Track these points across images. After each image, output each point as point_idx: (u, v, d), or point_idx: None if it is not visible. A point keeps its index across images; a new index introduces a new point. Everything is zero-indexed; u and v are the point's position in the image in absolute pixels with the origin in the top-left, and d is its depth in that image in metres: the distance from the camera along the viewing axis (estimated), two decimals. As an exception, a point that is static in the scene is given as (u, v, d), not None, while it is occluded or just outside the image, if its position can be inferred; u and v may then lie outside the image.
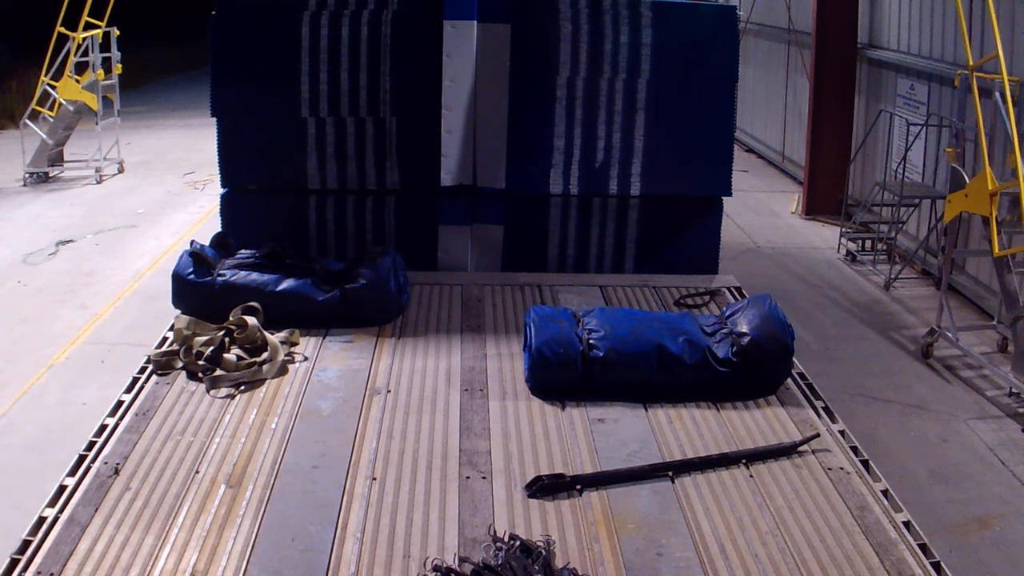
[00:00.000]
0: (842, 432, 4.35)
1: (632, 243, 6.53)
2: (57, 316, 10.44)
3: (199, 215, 14.30)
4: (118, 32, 16.24)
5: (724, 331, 4.71)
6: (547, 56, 6.24)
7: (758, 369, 4.62)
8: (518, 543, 3.34)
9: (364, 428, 4.26)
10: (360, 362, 4.95)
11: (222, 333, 4.95)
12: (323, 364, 4.91)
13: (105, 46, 16.13)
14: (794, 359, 4.80)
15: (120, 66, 16.47)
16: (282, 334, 5.07)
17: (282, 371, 4.79)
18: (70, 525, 3.50)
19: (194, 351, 4.82)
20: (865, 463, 4.08)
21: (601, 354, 4.52)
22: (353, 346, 5.15)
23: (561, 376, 4.55)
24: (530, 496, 3.74)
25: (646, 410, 4.46)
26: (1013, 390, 8.59)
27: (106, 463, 3.92)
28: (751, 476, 3.93)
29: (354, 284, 5.38)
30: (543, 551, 3.30)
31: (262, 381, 4.69)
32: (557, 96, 6.29)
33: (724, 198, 6.61)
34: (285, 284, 5.34)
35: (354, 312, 5.36)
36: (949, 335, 9.32)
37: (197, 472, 3.87)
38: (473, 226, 6.46)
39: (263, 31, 6.33)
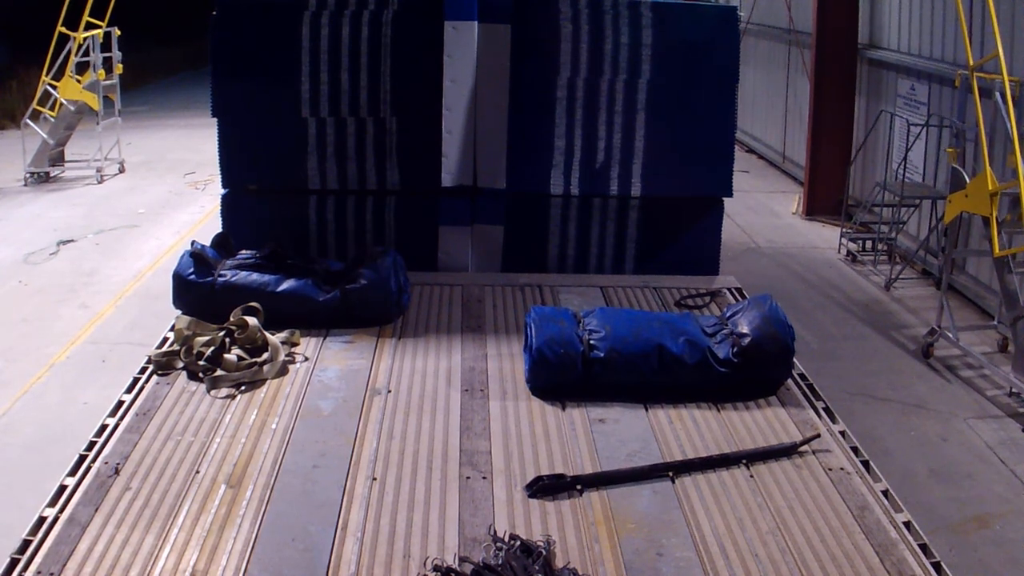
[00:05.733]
0: (842, 432, 4.35)
1: (632, 243, 6.53)
2: (58, 316, 10.44)
3: (200, 215, 14.31)
4: (119, 32, 16.25)
5: (724, 331, 4.71)
6: (547, 56, 6.24)
7: (758, 369, 4.62)
8: (518, 543, 3.34)
9: (364, 428, 4.27)
10: (360, 362, 4.95)
11: (223, 333, 4.95)
12: (323, 364, 4.92)
13: (106, 46, 16.15)
14: (794, 359, 4.80)
15: (121, 66, 16.49)
16: (282, 334, 5.07)
17: (282, 371, 4.79)
18: (70, 525, 3.50)
19: (195, 351, 4.82)
20: (865, 463, 4.09)
21: (602, 354, 4.52)
22: (353, 346, 5.15)
23: (562, 376, 4.55)
24: (530, 496, 3.74)
25: (646, 410, 4.46)
26: (1013, 390, 8.59)
27: (106, 463, 3.93)
28: (751, 476, 3.93)
29: (354, 284, 5.38)
30: (543, 551, 3.30)
31: (262, 381, 4.69)
32: (557, 96, 6.29)
33: (725, 198, 6.61)
34: (286, 284, 5.34)
35: (354, 312, 5.36)
36: (949, 335, 9.32)
37: (197, 472, 3.87)
38: (473, 226, 6.46)
39: (263, 31, 6.33)
